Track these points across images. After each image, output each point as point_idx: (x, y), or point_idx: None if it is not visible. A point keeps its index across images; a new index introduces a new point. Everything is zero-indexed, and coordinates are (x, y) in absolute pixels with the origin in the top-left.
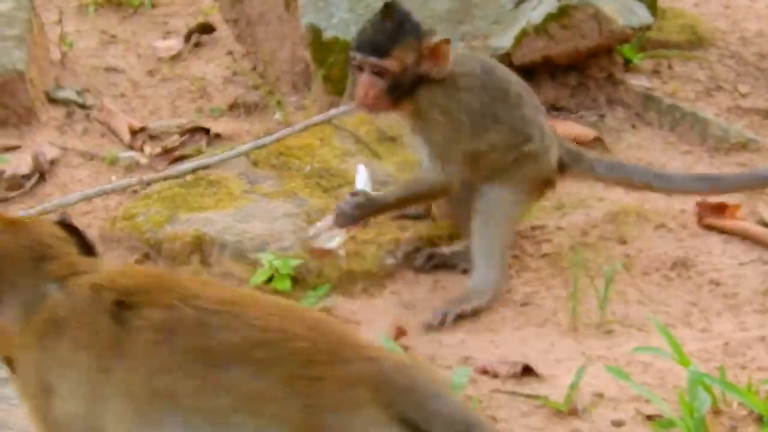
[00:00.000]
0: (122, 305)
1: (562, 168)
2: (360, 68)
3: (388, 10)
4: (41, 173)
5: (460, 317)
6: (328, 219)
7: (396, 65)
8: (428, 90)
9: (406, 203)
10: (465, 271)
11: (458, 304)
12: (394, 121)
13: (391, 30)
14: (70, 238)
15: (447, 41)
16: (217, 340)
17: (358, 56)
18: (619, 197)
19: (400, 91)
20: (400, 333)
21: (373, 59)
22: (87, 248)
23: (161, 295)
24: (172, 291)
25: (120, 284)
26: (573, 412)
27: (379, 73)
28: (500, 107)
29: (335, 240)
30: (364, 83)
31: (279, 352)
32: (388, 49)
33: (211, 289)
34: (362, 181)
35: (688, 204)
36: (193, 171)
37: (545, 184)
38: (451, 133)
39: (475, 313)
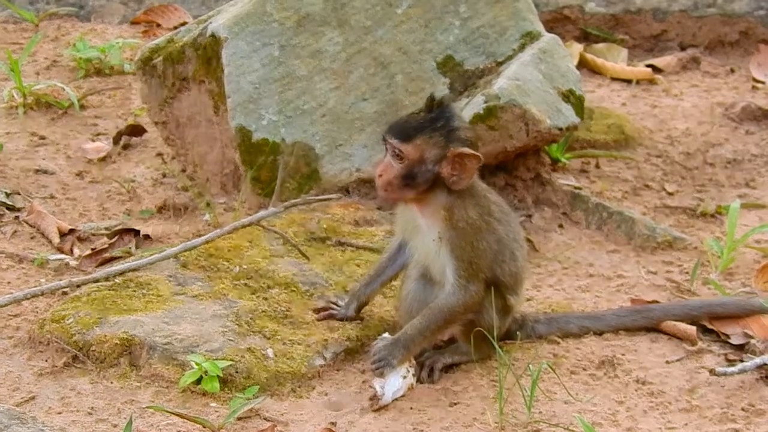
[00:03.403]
0: None
1: (509, 337)
2: (387, 150)
3: (431, 102)
4: None
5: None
6: (378, 381)
7: (415, 154)
8: (461, 200)
9: (432, 333)
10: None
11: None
12: (412, 219)
13: (424, 120)
14: None
15: (476, 157)
16: None
17: (386, 136)
18: (548, 295)
19: (415, 183)
20: None
21: (395, 141)
22: None
23: None
24: None
25: None
26: None
27: (398, 156)
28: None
29: (402, 389)
30: (384, 163)
31: None
32: (413, 136)
33: None
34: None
35: (618, 301)
36: (123, 273)
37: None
38: (480, 251)
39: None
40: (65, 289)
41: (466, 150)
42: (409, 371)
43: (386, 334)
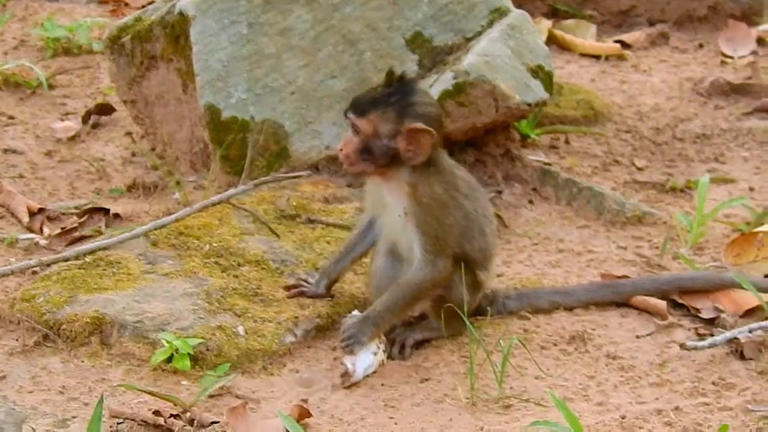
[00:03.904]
0: None
1: (480, 313)
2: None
3: (390, 78)
4: None
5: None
6: (348, 358)
7: (368, 128)
8: (426, 176)
9: (401, 309)
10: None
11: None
12: (380, 195)
13: (380, 95)
14: None
15: (429, 132)
16: None
17: (346, 110)
18: (518, 270)
19: (373, 157)
20: (301, 412)
21: (352, 115)
22: None
23: None
24: None
25: None
26: None
27: (355, 130)
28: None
29: (373, 366)
30: (345, 137)
31: None
32: (367, 110)
33: None
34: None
35: (588, 276)
36: (93, 252)
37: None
38: (447, 227)
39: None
40: (35, 269)
41: (419, 125)
42: (379, 348)
43: (355, 312)
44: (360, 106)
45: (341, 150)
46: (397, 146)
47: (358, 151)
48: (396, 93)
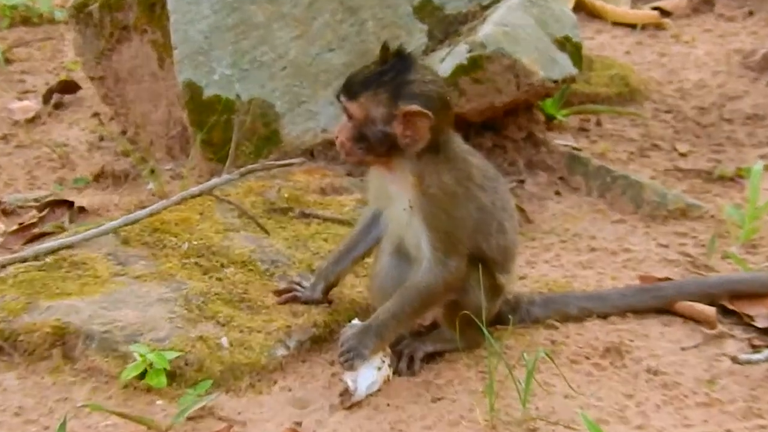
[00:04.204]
0: None
1: (500, 321)
2: None
3: (384, 54)
4: None
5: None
6: (349, 374)
7: (360, 113)
8: (434, 164)
9: (408, 318)
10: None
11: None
12: (384, 185)
13: (372, 74)
14: None
15: (425, 115)
16: None
17: (338, 93)
18: (544, 272)
19: (370, 145)
20: None
21: (343, 99)
22: None
23: None
24: None
25: None
26: None
27: (348, 115)
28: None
29: (377, 383)
30: (340, 124)
31: None
32: (358, 92)
33: None
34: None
35: (624, 278)
36: (55, 251)
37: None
38: (458, 221)
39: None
40: None
41: (413, 107)
42: (384, 362)
43: (356, 320)
44: (351, 88)
45: (337, 137)
46: (394, 132)
47: (353, 139)
48: (390, 71)
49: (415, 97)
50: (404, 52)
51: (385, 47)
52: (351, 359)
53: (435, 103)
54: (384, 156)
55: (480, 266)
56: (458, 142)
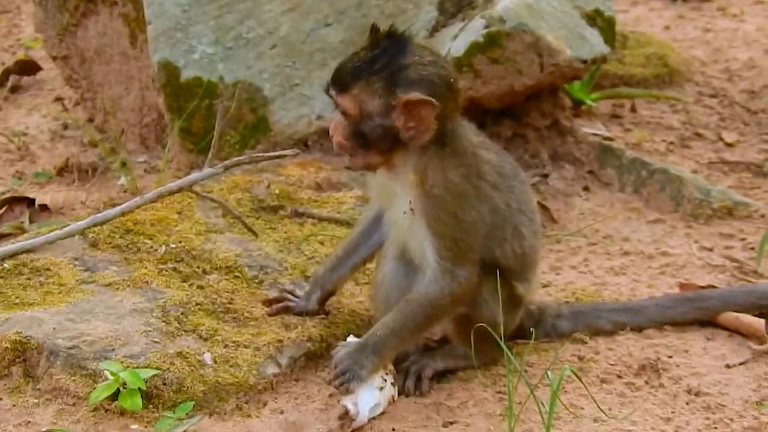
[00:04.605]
0: None
1: (521, 335)
2: None
3: (374, 36)
4: None
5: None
6: (348, 398)
7: (354, 107)
8: (439, 160)
9: (411, 334)
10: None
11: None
12: (387, 183)
13: (362, 62)
14: None
15: (429, 102)
16: None
17: (328, 85)
18: (571, 279)
19: (370, 143)
20: None
21: (334, 92)
22: None
23: None
24: None
25: None
26: None
27: (342, 111)
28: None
29: (381, 404)
30: (334, 120)
31: None
32: (349, 84)
33: None
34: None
35: (662, 286)
36: (13, 255)
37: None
38: (467, 225)
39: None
40: None
41: (414, 95)
42: (385, 380)
43: (351, 338)
44: (340, 79)
45: (332, 136)
46: (394, 125)
47: (350, 137)
48: (383, 56)
49: (414, 83)
50: (396, 32)
51: (374, 28)
52: (347, 381)
53: (438, 88)
54: (388, 153)
55: (496, 275)
56: (468, 134)
